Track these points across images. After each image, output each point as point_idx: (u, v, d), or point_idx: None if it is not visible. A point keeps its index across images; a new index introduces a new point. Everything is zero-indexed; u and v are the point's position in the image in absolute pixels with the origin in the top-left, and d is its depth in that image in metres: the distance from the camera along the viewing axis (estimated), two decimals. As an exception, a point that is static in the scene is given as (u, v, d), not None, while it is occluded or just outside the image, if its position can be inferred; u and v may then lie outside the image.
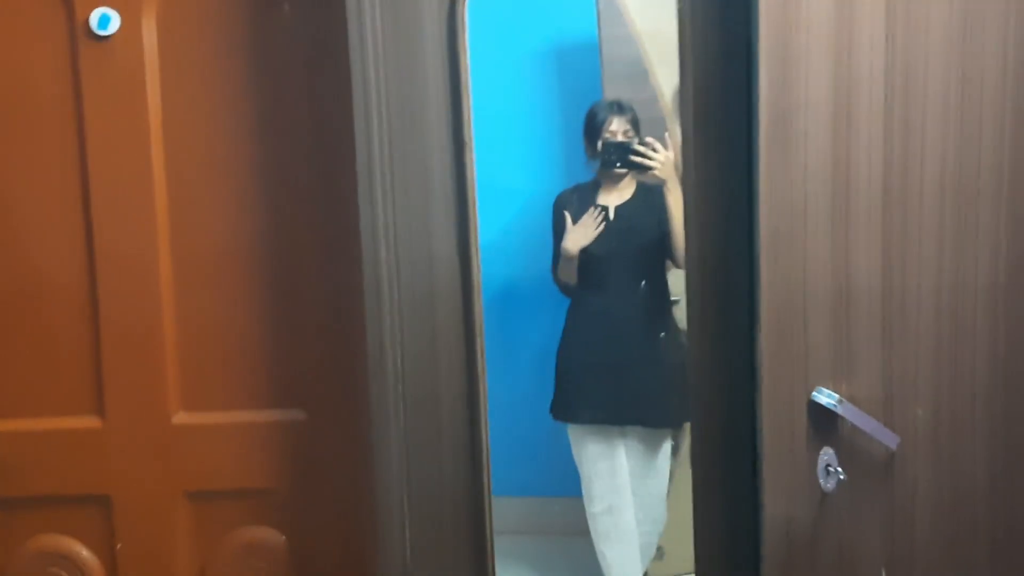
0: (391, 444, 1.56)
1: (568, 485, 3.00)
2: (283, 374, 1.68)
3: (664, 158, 2.64)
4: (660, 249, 2.69)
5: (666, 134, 2.62)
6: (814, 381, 1.42)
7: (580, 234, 2.75)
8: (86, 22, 1.61)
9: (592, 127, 2.78)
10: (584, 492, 2.93)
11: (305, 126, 1.64)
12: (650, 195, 2.70)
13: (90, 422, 1.69)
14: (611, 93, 2.99)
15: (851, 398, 1.42)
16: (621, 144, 2.69)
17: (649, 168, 2.65)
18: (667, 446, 2.87)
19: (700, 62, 1.45)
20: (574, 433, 2.88)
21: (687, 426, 2.68)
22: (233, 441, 1.69)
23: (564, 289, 2.85)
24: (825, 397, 1.42)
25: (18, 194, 1.66)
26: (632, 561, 2.89)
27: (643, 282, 2.75)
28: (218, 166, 1.65)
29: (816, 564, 1.44)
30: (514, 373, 3.46)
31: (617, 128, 2.72)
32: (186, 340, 1.68)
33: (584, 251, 2.81)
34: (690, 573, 1.59)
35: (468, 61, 1.50)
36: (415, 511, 1.58)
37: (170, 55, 1.63)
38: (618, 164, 2.70)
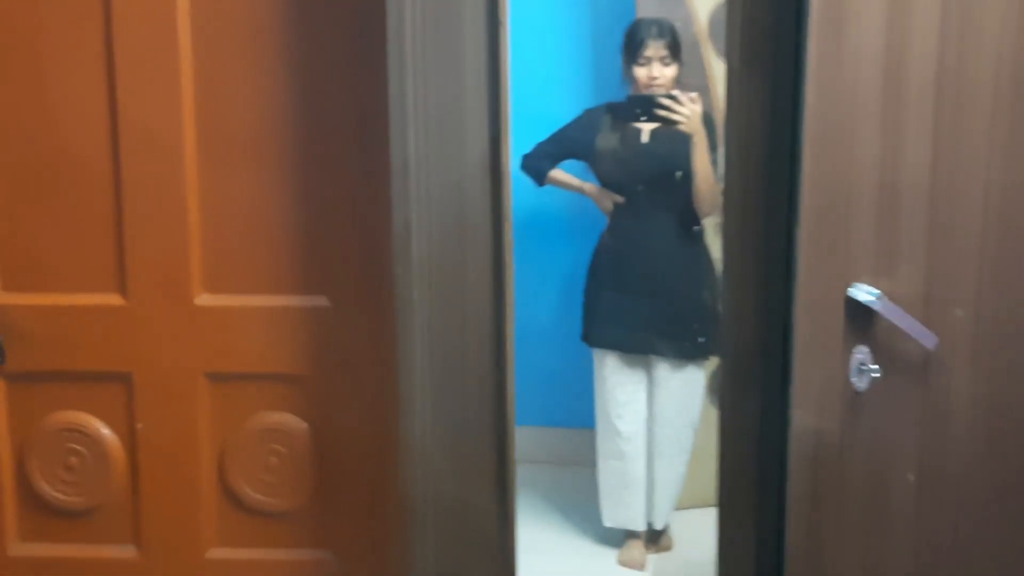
0: (415, 332, 1.54)
1: (590, 417, 2.98)
2: (308, 259, 1.66)
3: (690, 112, 2.57)
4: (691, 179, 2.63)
5: (692, 94, 2.62)
6: (853, 277, 1.38)
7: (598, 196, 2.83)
8: None
9: (629, 48, 2.71)
10: (598, 414, 2.91)
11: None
12: None
13: (113, 299, 1.68)
14: (645, 14, 2.91)
15: (890, 296, 1.38)
16: (647, 98, 2.64)
17: (675, 122, 2.59)
18: (697, 378, 2.83)
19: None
20: (598, 358, 2.85)
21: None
22: (256, 325, 1.67)
23: (529, 174, 2.88)
24: (863, 293, 1.37)
25: (46, 65, 1.63)
26: (631, 484, 2.86)
27: (674, 209, 2.70)
28: (247, 42, 1.61)
29: (844, 469, 1.41)
30: (542, 299, 3.44)
31: (653, 54, 2.65)
32: (210, 221, 1.65)
33: (616, 174, 2.76)
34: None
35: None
36: (439, 406, 1.57)
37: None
38: (643, 118, 2.67)
